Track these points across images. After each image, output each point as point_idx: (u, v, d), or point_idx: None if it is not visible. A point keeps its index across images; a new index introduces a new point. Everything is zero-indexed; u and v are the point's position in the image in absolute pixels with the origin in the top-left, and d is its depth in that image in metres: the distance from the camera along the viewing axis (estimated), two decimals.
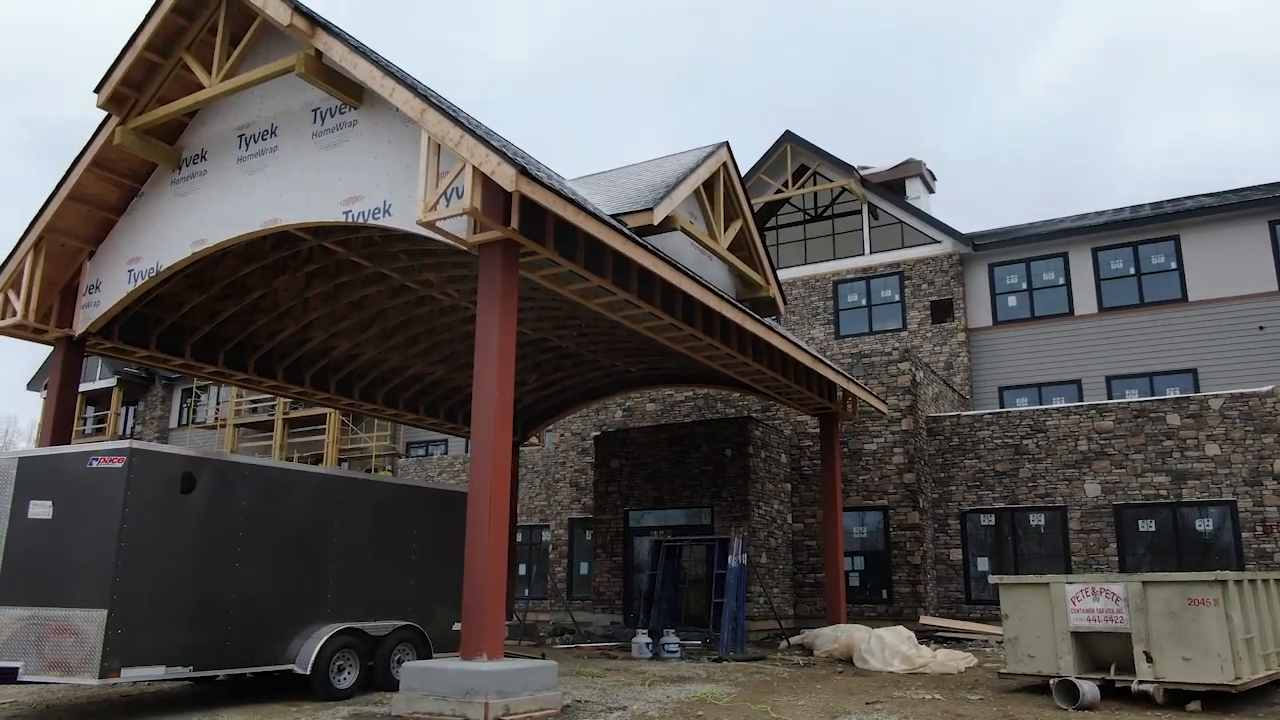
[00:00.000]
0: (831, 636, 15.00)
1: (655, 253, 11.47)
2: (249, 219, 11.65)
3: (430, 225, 9.68)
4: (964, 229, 26.95)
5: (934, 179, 30.31)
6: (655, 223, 13.21)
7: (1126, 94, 78.61)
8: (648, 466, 20.83)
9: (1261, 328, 22.68)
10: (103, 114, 12.39)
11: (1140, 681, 9.74)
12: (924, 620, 18.61)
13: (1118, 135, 76.11)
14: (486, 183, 9.32)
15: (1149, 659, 9.75)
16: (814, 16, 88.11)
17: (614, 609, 20.28)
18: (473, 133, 9.26)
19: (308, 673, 9.79)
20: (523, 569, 25.28)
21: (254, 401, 37.75)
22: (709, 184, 15.58)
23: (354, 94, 10.89)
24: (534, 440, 23.57)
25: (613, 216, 12.74)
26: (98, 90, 12.12)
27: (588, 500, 23.99)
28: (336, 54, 10.45)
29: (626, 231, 11.28)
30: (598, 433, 22.62)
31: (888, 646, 13.44)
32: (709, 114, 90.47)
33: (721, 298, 13.14)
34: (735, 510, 19.40)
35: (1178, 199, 27.24)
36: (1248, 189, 25.62)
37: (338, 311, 15.81)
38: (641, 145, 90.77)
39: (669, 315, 12.74)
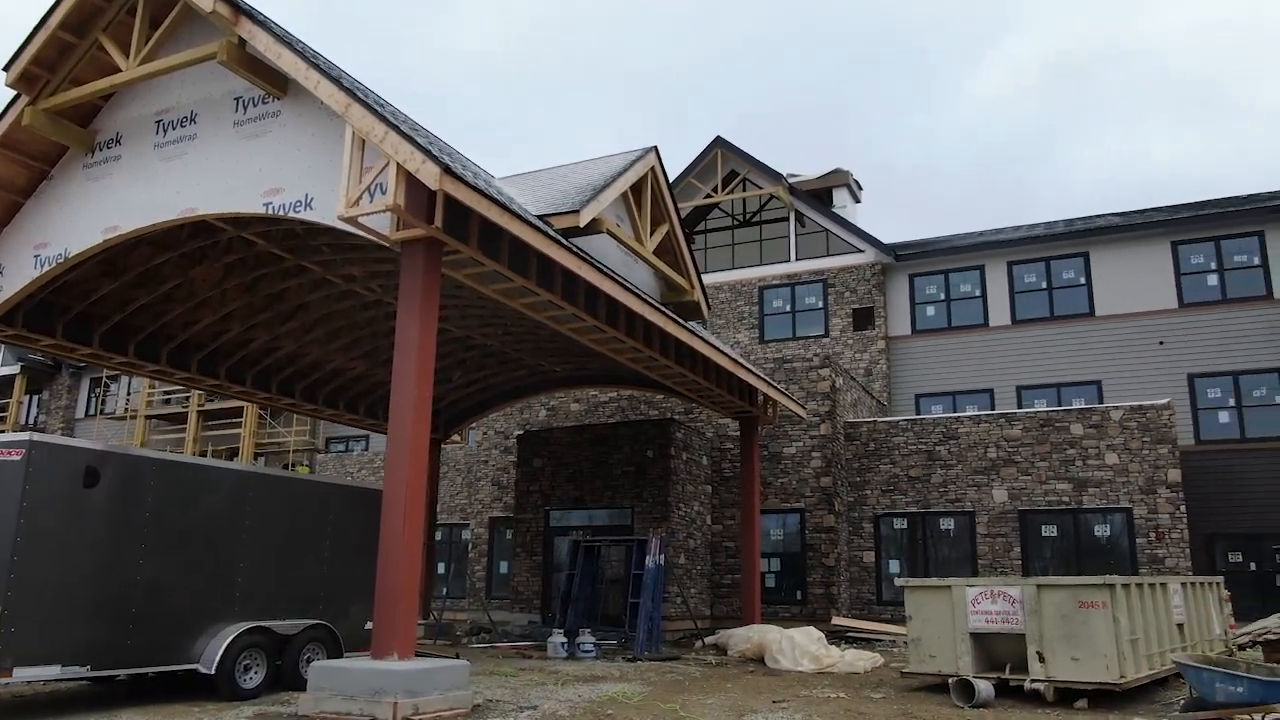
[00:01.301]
0: (745, 637, 15.28)
1: (580, 255, 11.55)
2: (166, 207, 11.39)
3: (352, 221, 9.62)
4: (901, 236, 27.71)
5: (860, 189, 31.01)
6: (582, 224, 13.29)
7: (1068, 111, 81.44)
8: (570, 466, 20.90)
9: (1162, 343, 23.74)
10: (12, 93, 11.97)
11: (1033, 680, 10.19)
12: (836, 621, 19.06)
13: (1058, 150, 78.84)
14: (410, 180, 9.30)
15: (1041, 659, 10.20)
16: (770, 24, 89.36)
17: (532, 608, 20.30)
18: (397, 129, 9.23)
19: (212, 672, 9.64)
20: (441, 567, 25.10)
21: (167, 393, 36.67)
22: (637, 188, 15.72)
23: (278, 84, 10.74)
24: (456, 438, 23.43)
25: (539, 217, 12.79)
26: (6, 69, 11.72)
27: (509, 499, 23.94)
28: (261, 43, 10.29)
29: (551, 233, 11.35)
30: (521, 431, 22.61)
31: (798, 646, 13.76)
32: (666, 115, 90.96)
33: (645, 301, 13.29)
34: (656, 511, 19.59)
35: (1088, 217, 28.33)
36: (1152, 210, 26.78)
37: (256, 303, 15.52)
38: (601, 142, 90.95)
39: (593, 317, 12.85)
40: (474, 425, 24.87)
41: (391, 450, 9.30)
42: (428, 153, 9.06)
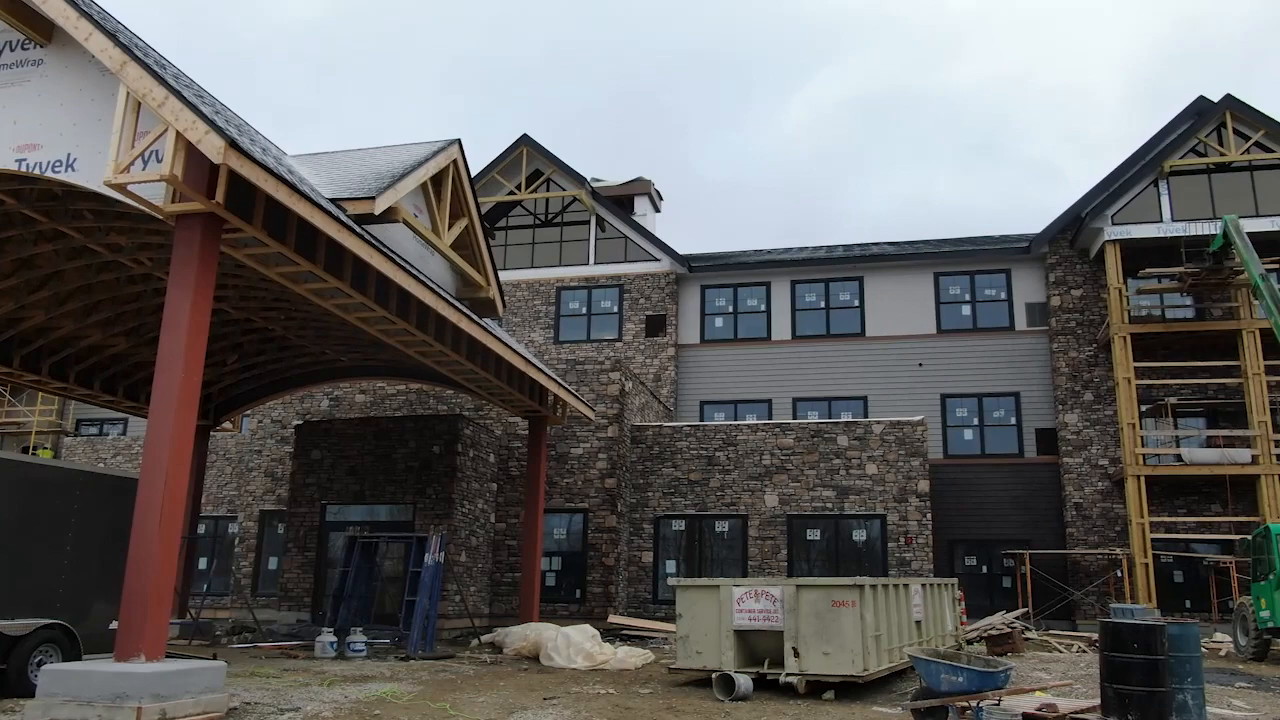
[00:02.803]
0: (521, 635, 15.36)
1: (372, 243, 11.25)
2: None
3: (120, 188, 8.92)
4: (705, 248, 28.61)
5: (661, 199, 31.87)
6: (377, 212, 12.91)
7: (867, 145, 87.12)
8: (351, 459, 20.23)
9: (921, 365, 25.93)
10: None
11: (787, 674, 10.89)
12: (612, 619, 19.51)
13: (854, 180, 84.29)
14: (191, 151, 8.74)
15: (796, 654, 10.92)
16: (590, 31, 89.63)
17: (302, 607, 19.47)
18: (180, 95, 8.65)
19: None
20: (204, 563, 23.56)
21: None
22: (437, 179, 15.46)
23: (42, 31, 9.79)
24: (228, 425, 22.10)
25: (333, 201, 12.34)
26: None
27: (283, 491, 22.84)
28: None
29: (344, 219, 10.98)
30: (300, 421, 21.64)
31: (573, 644, 13.99)
32: (479, 109, 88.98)
33: (439, 295, 13.11)
34: (439, 508, 19.32)
35: (865, 244, 30.44)
36: (921, 242, 29.19)
37: (2, 268, 14.01)
38: (409, 130, 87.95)
39: (383, 308, 12.53)
40: (249, 413, 23.55)
41: (151, 436, 8.69)
42: (212, 123, 8.54)
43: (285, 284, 11.43)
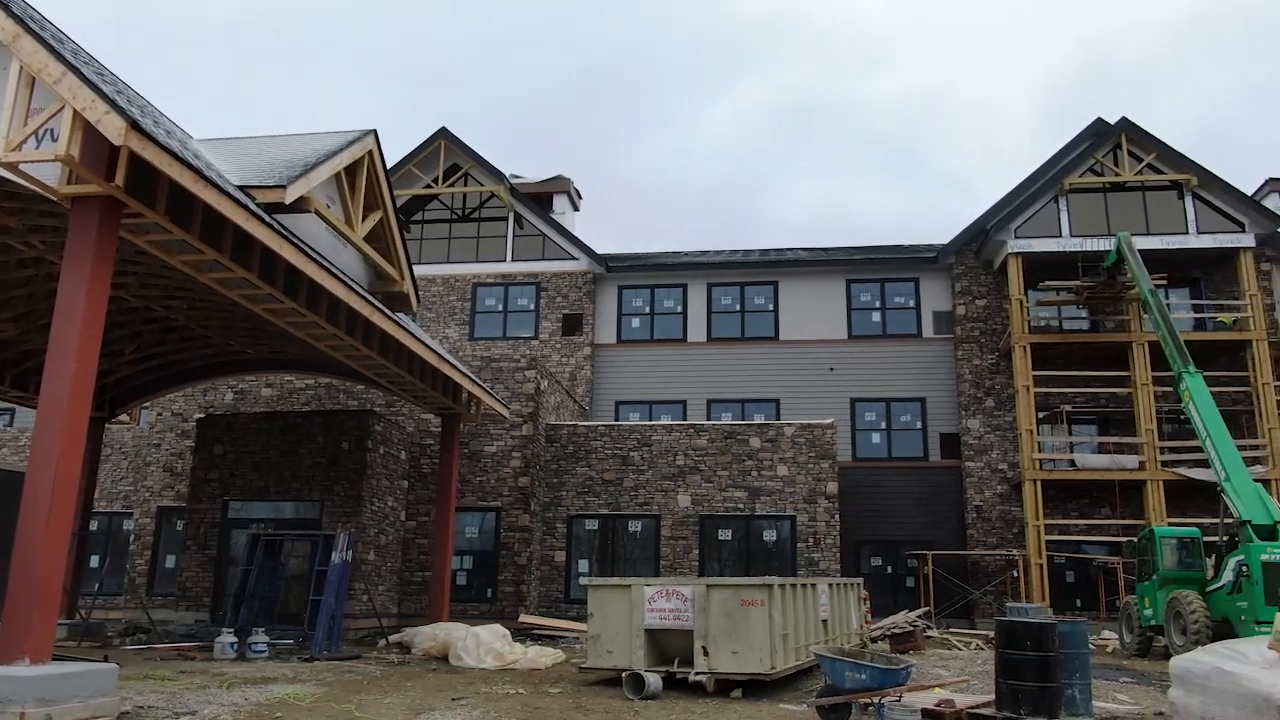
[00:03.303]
0: (430, 635, 15.15)
1: (282, 233, 10.95)
2: None
3: (11, 167, 8.49)
4: (627, 248, 28.63)
5: (580, 198, 31.82)
6: (287, 201, 12.57)
7: (792, 151, 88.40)
8: (256, 455, 19.65)
9: (832, 369, 26.47)
10: None
11: (697, 673, 11.00)
12: (523, 619, 19.39)
13: (777, 186, 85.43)
14: (90, 131, 8.37)
15: (706, 653, 11.04)
16: (518, 28, 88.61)
17: (201, 607, 18.83)
18: (78, 72, 8.28)
19: None
20: (95, 561, 22.55)
21: None
22: (352, 170, 15.14)
23: None
24: (125, 418, 21.21)
25: (241, 188, 11.97)
26: None
27: (183, 487, 22.04)
28: None
29: (252, 207, 10.67)
30: (203, 415, 20.93)
31: (482, 644, 13.87)
32: (409, 101, 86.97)
33: (351, 288, 12.84)
34: (348, 506, 18.91)
35: (781, 250, 30.98)
36: (835, 249, 29.79)
37: None
38: (339, 117, 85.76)
39: (292, 300, 12.21)
40: (147, 405, 22.65)
41: (40, 427, 8.29)
42: (112, 103, 8.20)
43: (189, 273, 11.05)
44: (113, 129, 8.14)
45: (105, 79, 10.62)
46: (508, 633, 14.80)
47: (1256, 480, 17.86)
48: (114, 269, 9.36)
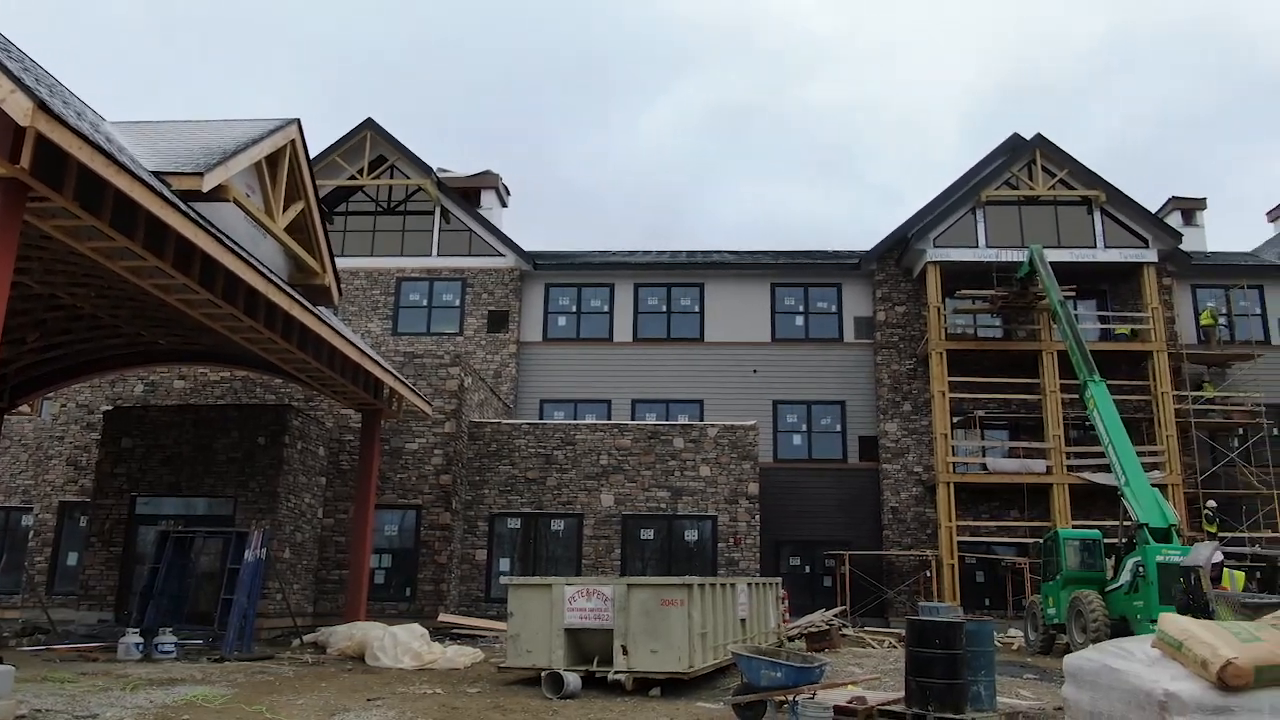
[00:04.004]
0: (346, 634, 14.90)
1: (198, 221, 10.66)
2: None
3: None
4: (558, 246, 28.41)
5: (509, 194, 31.55)
6: (205, 189, 12.25)
7: (727, 154, 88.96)
8: (167, 449, 19.05)
9: (755, 371, 26.80)
10: None
11: (616, 672, 11.05)
12: (443, 618, 19.20)
13: (712, 188, 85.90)
14: None
15: (625, 652, 11.10)
16: (453, 23, 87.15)
17: (105, 606, 18.18)
18: None
19: None
20: None
21: None
22: (273, 159, 14.80)
23: None
24: (26, 409, 20.36)
25: (156, 175, 11.62)
26: None
27: (88, 482, 21.22)
28: None
29: (168, 194, 10.36)
30: (110, 407, 20.21)
31: (400, 644, 13.70)
32: (340, 92, 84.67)
33: (270, 279, 12.56)
34: (263, 502, 18.47)
35: (707, 252, 31.23)
36: (761, 253, 30.19)
37: None
38: (267, 106, 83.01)
39: (208, 290, 11.89)
40: (51, 396, 21.75)
41: None
42: (18, 81, 7.88)
43: (99, 260, 10.69)
44: (18, 109, 7.82)
45: (11, 56, 10.21)
46: (426, 632, 14.65)
47: (1154, 485, 18.71)
48: (17, 254, 8.99)
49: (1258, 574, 16.63)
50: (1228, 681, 6.19)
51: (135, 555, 18.50)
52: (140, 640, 14.04)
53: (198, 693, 10.05)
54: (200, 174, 12.14)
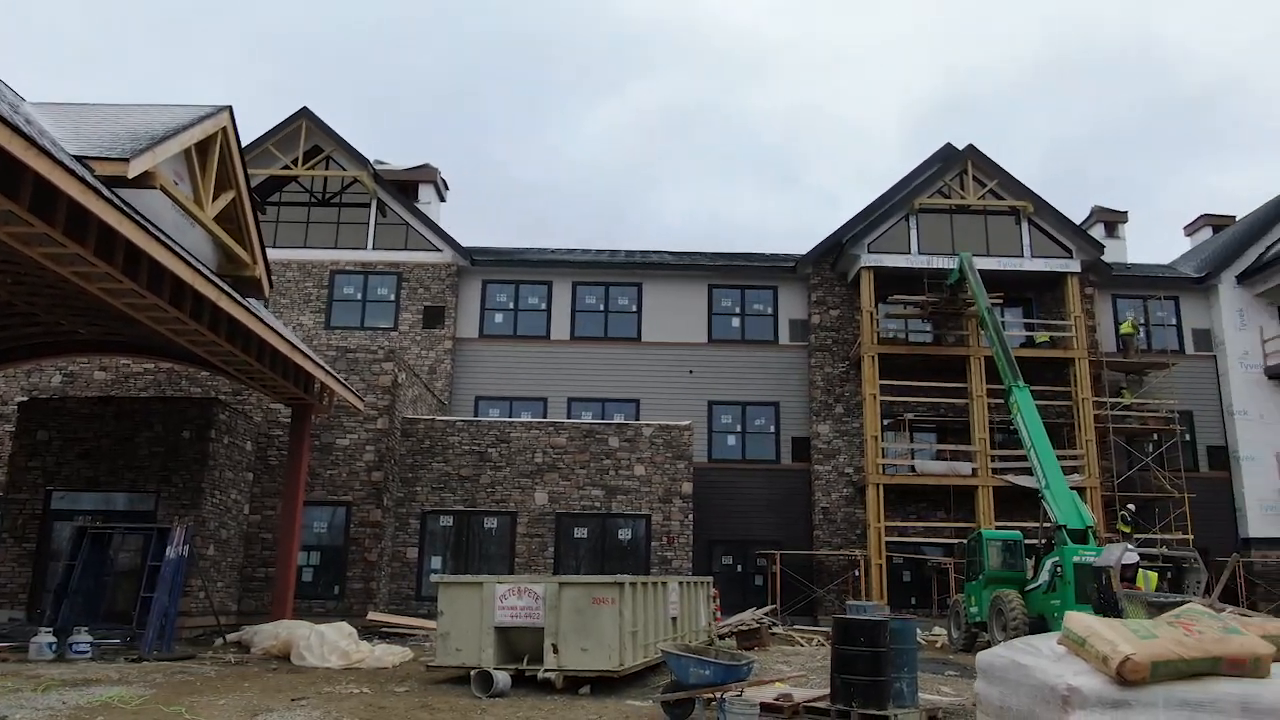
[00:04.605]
0: (271, 633, 14.62)
1: (122, 208, 10.36)
2: None
3: None
4: (499, 242, 28.15)
5: (447, 188, 31.25)
6: (130, 175, 11.88)
7: (675, 155, 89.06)
8: (86, 442, 18.44)
9: (691, 371, 26.97)
10: None
11: (546, 670, 11.04)
12: (371, 616, 18.94)
13: (658, 189, 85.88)
14: None
15: (555, 650, 11.10)
16: (399, 15, 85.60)
17: (16, 604, 17.53)
18: None
19: None
20: None
21: None
22: (203, 147, 14.44)
23: None
24: None
25: (79, 159, 11.25)
26: None
27: (0, 475, 20.44)
28: None
29: (91, 180, 10.04)
30: (25, 398, 19.50)
31: (327, 643, 13.49)
32: (281, 82, 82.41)
33: (197, 270, 12.26)
34: (186, 497, 18.00)
35: (646, 252, 31.31)
36: (698, 254, 30.38)
37: None
38: (208, 92, 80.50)
39: (131, 280, 11.56)
40: None
41: None
42: None
43: (15, 246, 10.30)
44: None
45: None
46: (354, 631, 14.44)
47: (1073, 488, 19.34)
48: None
49: (1168, 574, 17.28)
50: (1126, 676, 6.43)
51: (50, 552, 17.89)
52: (54, 640, 13.59)
53: (113, 693, 9.77)
54: (126, 160, 11.78)
